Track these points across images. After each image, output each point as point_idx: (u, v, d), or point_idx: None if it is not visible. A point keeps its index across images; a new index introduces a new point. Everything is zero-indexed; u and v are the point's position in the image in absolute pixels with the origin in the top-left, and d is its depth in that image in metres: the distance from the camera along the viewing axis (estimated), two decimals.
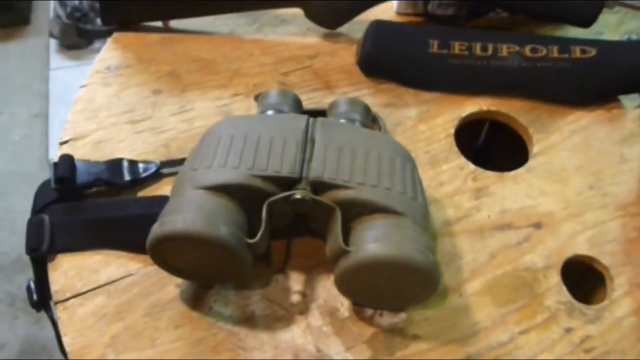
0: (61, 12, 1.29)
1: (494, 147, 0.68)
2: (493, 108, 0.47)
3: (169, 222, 0.32)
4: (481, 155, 0.60)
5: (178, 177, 0.36)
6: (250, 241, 0.33)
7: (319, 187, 0.35)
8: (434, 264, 0.33)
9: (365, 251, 0.32)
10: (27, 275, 0.40)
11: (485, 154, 0.68)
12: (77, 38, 1.29)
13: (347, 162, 0.35)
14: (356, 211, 0.35)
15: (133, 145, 0.43)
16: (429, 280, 0.33)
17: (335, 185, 0.34)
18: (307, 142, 0.36)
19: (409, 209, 0.35)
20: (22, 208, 0.39)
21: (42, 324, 1.01)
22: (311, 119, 0.38)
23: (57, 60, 1.32)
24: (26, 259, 0.39)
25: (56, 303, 0.36)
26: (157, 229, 0.33)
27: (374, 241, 0.33)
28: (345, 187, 0.34)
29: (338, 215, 0.34)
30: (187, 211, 0.33)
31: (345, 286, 0.35)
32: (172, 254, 0.34)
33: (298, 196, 0.34)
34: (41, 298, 0.40)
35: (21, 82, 1.33)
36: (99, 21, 1.24)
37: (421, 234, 0.34)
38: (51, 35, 1.33)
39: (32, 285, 0.40)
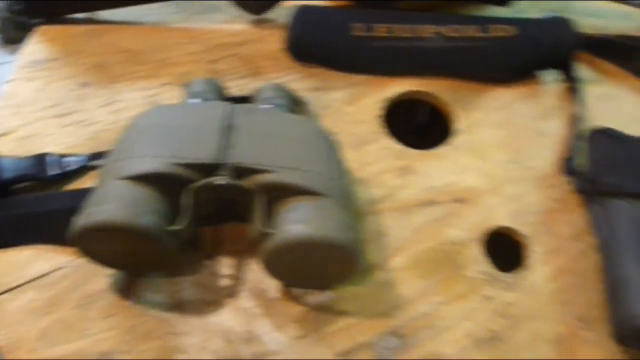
0: (0, 5, 1.26)
1: (436, 126, 0.69)
2: (418, 88, 0.48)
3: (90, 214, 0.33)
4: (423, 134, 0.61)
5: (101, 169, 0.36)
6: (174, 228, 0.34)
7: (241, 172, 0.35)
8: (355, 242, 0.34)
9: (286, 232, 0.33)
10: None
11: (427, 133, 0.70)
12: (16, 32, 1.26)
13: (268, 146, 0.36)
14: (278, 194, 0.35)
15: (60, 140, 0.43)
16: (350, 258, 0.34)
17: (257, 169, 0.35)
18: (228, 128, 0.37)
19: (330, 190, 0.36)
20: None
21: None
22: (233, 106, 0.38)
23: None
24: None
25: None
26: (78, 221, 0.33)
27: (295, 222, 0.34)
28: (267, 171, 0.35)
29: (260, 199, 0.35)
30: (109, 202, 0.33)
31: (271, 268, 0.36)
32: (98, 245, 0.34)
33: (220, 182, 0.35)
34: None
35: None
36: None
37: (342, 213, 0.35)
38: None
39: None
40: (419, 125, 0.70)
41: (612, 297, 0.36)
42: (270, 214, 0.35)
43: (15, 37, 1.27)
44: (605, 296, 0.37)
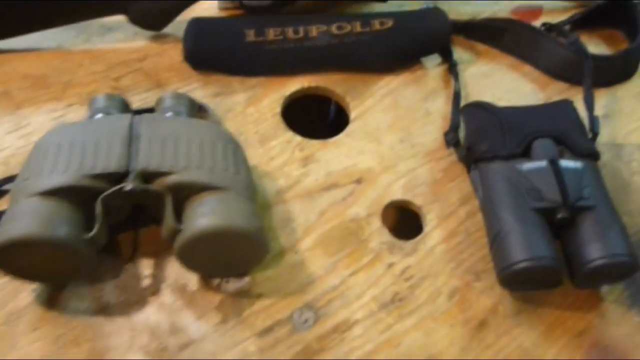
0: None
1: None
2: (313, 84, 0.52)
3: (5, 232, 0.35)
4: (336, 127, 0.64)
5: (12, 190, 0.38)
6: (87, 236, 0.36)
7: (148, 176, 0.38)
8: (258, 228, 0.38)
9: (194, 226, 0.36)
10: None
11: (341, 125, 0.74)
12: None
13: (171, 150, 0.39)
14: (185, 193, 0.38)
15: None
16: (256, 242, 0.38)
17: (162, 172, 0.38)
18: (132, 137, 0.39)
19: (233, 184, 0.39)
20: None
21: None
22: (136, 117, 0.41)
23: None
24: None
25: None
26: None
27: (201, 216, 0.37)
28: (171, 173, 0.38)
29: (168, 199, 0.38)
30: (22, 218, 0.35)
31: (187, 261, 0.39)
32: (18, 261, 0.36)
33: (128, 188, 0.37)
34: None
35: None
36: None
37: (245, 203, 0.38)
38: None
39: None
40: (331, 120, 0.74)
41: (494, 248, 0.41)
42: (180, 212, 0.38)
43: None
44: (489, 249, 0.42)
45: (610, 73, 0.54)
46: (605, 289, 0.43)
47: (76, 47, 0.53)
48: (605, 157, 0.50)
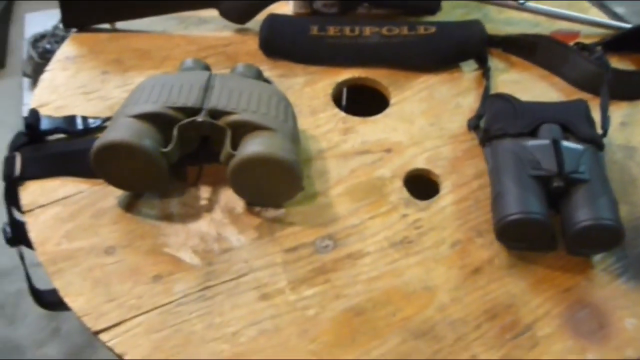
0: (34, 54, 1.44)
1: None
2: (362, 75, 0.62)
3: (104, 137, 0.46)
4: None
5: (114, 114, 0.50)
6: (165, 150, 0.47)
7: (215, 114, 0.48)
8: (296, 161, 0.47)
9: (245, 152, 0.46)
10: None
11: None
12: None
13: (236, 97, 0.49)
14: (242, 130, 0.48)
15: (85, 109, 0.57)
16: (292, 174, 0.47)
17: (226, 112, 0.48)
18: (208, 86, 0.50)
19: (280, 128, 0.48)
20: None
21: (15, 325, 1.11)
22: (214, 73, 0.52)
23: (30, 97, 1.45)
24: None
25: (25, 212, 0.49)
26: (96, 142, 0.46)
27: (251, 145, 0.46)
28: (233, 113, 0.48)
29: (228, 132, 0.48)
30: (118, 130, 0.46)
31: (235, 183, 0.48)
32: (109, 164, 0.47)
33: (199, 120, 0.48)
34: (15, 235, 0.52)
35: None
36: None
37: (288, 143, 0.48)
38: (25, 74, 1.47)
39: (7, 228, 0.52)
40: None
41: (495, 207, 0.48)
42: (236, 145, 0.48)
43: None
44: (491, 209, 0.49)
45: (633, 87, 0.60)
46: (597, 258, 0.48)
47: (177, 32, 0.66)
48: (617, 156, 0.55)
